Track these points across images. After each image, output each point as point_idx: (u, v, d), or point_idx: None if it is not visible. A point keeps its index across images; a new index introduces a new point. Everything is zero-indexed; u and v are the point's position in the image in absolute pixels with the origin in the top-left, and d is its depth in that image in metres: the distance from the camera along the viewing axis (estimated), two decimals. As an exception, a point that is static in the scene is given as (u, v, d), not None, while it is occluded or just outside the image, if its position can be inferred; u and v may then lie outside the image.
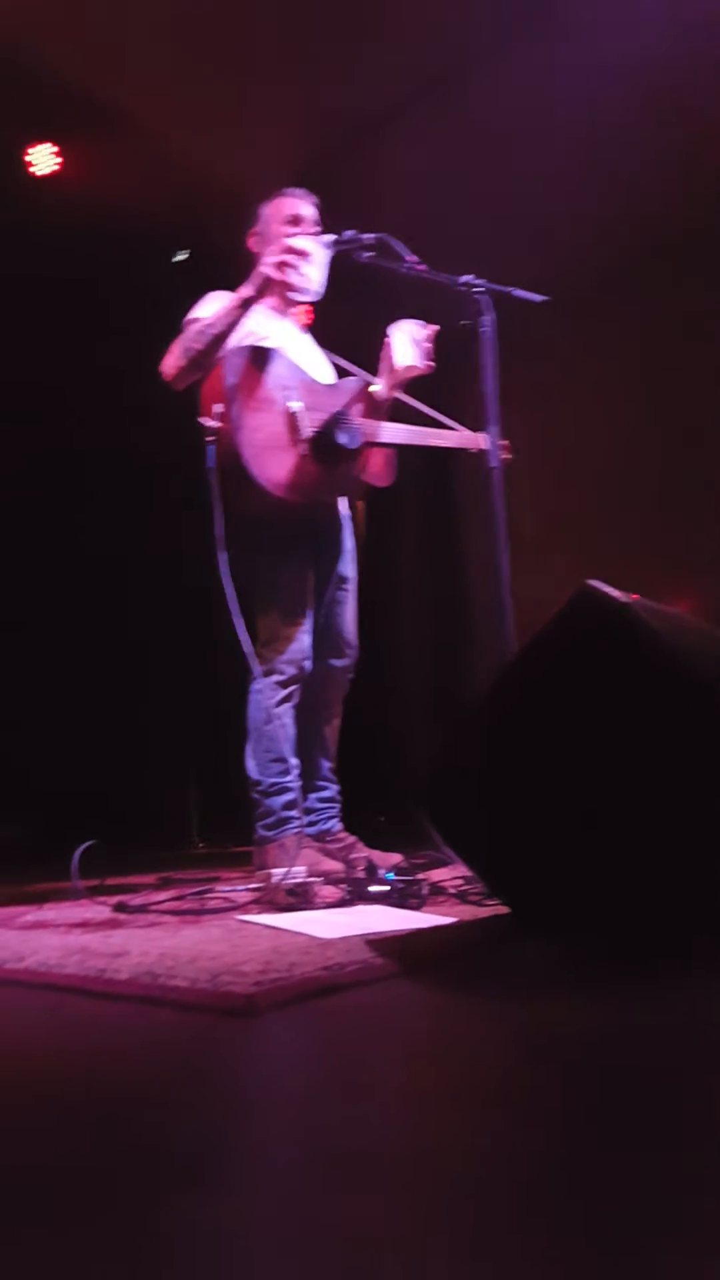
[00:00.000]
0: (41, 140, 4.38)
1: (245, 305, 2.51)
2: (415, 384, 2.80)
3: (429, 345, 2.69)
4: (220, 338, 2.51)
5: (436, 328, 2.69)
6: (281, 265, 2.49)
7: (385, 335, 2.73)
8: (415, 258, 2.51)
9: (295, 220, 2.69)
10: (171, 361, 2.55)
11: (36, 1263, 0.51)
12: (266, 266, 2.48)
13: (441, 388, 2.84)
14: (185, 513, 2.97)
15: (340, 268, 2.65)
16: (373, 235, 2.54)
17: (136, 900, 2.05)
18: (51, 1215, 0.57)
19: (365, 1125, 0.72)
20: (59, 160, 4.40)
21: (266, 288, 2.52)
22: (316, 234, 2.66)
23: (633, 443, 4.99)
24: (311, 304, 2.82)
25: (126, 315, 4.25)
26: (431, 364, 2.70)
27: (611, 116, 4.13)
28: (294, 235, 2.61)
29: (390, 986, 1.20)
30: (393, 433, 2.72)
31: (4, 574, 4.53)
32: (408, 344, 2.68)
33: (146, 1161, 0.66)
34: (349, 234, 2.56)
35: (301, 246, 2.54)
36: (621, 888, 1.33)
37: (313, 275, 2.58)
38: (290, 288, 2.62)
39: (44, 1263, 0.51)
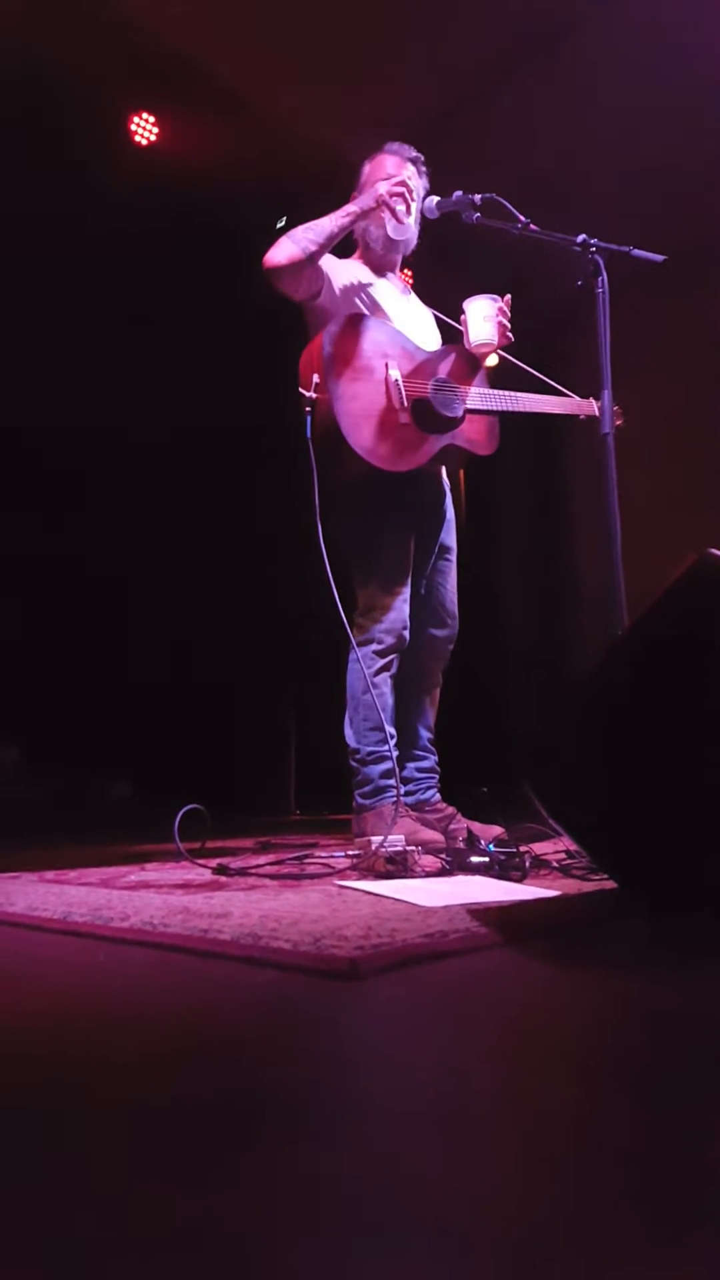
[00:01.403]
0: (143, 109, 4.41)
1: (354, 218, 2.55)
2: (524, 347, 2.74)
3: (504, 319, 2.63)
4: (332, 237, 2.52)
5: (509, 297, 2.63)
6: (394, 194, 2.54)
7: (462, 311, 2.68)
8: (526, 219, 2.44)
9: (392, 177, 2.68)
10: (279, 250, 2.51)
11: (137, 1194, 0.51)
12: (380, 192, 2.54)
13: (554, 350, 2.77)
14: (287, 482, 2.97)
15: (449, 229, 2.61)
16: (481, 196, 2.48)
17: (237, 863, 2.07)
18: (155, 1154, 0.57)
19: (466, 1089, 0.70)
20: (156, 130, 4.43)
21: (371, 211, 2.56)
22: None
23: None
24: (404, 256, 2.81)
25: (225, 283, 4.27)
26: (509, 337, 2.64)
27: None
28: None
29: (493, 956, 1.18)
30: (496, 400, 2.67)
31: (113, 550, 4.64)
32: (481, 320, 2.63)
33: (251, 1112, 0.66)
34: (457, 195, 2.51)
35: (412, 184, 2.60)
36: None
37: (410, 219, 2.64)
38: (396, 218, 2.63)
39: (143, 1195, 0.51)
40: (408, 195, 2.57)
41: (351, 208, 2.54)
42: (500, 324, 2.63)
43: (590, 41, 3.97)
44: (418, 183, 2.69)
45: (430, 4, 3.80)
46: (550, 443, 5.16)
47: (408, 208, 2.60)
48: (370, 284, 2.69)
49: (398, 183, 2.55)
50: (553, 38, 4.00)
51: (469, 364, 2.68)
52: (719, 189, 4.55)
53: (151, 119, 4.45)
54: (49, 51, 3.86)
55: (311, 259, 2.50)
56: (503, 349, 2.71)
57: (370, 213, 2.57)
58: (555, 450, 5.34)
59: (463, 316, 2.68)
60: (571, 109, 4.27)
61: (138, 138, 4.45)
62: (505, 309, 2.64)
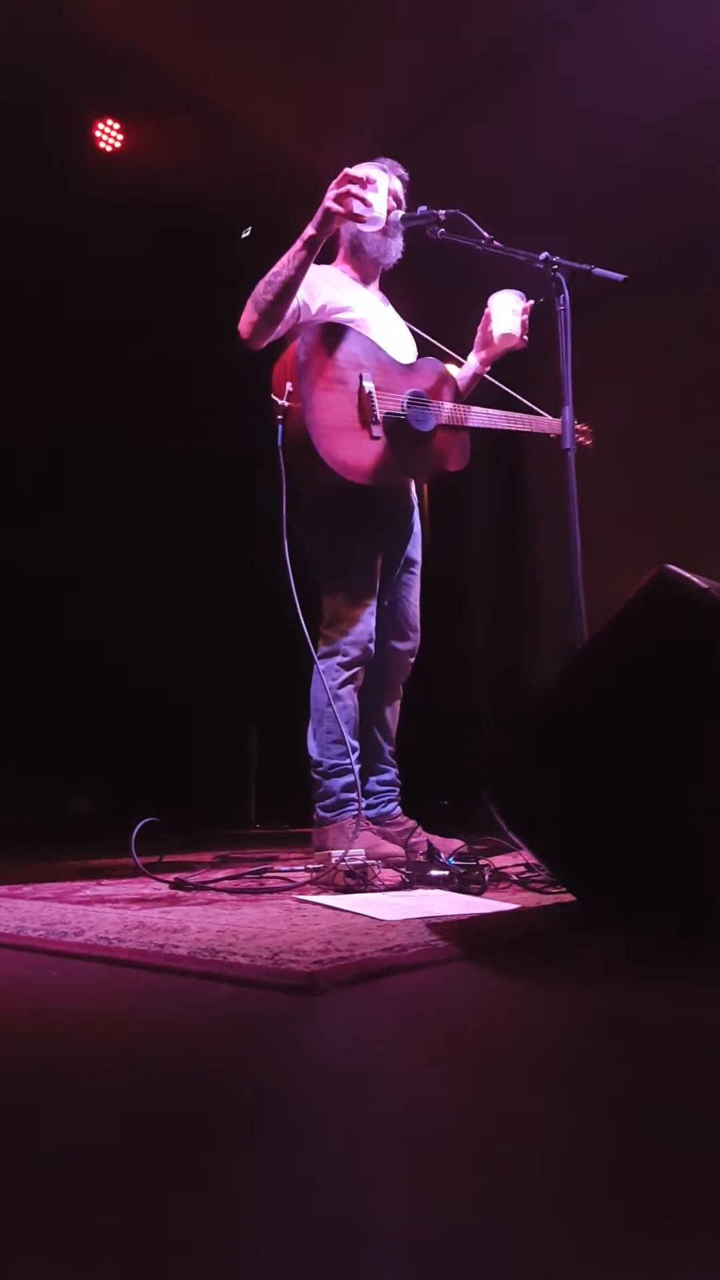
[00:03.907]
0: (107, 116, 4.40)
1: (310, 246, 2.39)
2: (492, 364, 2.76)
3: (525, 319, 2.64)
4: (289, 285, 2.42)
5: (533, 301, 2.64)
6: (342, 196, 2.33)
7: (485, 306, 2.68)
8: (489, 235, 2.46)
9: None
10: (244, 317, 2.49)
11: (97, 1202, 0.50)
12: (327, 200, 2.35)
13: (515, 368, 2.80)
14: (254, 492, 2.96)
15: (414, 245, 2.61)
16: (445, 211, 2.49)
17: (194, 878, 2.06)
18: (111, 1170, 0.56)
19: (424, 1104, 0.70)
20: (121, 137, 4.42)
21: (329, 225, 2.39)
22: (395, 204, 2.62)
23: (712, 425, 4.88)
24: (384, 268, 2.78)
25: (192, 291, 4.27)
26: (526, 338, 2.65)
27: (692, 90, 4.03)
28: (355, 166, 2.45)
29: (452, 969, 1.18)
30: (466, 416, 2.68)
31: (73, 560, 4.60)
32: (508, 314, 2.63)
33: (209, 1127, 0.65)
34: (422, 210, 2.52)
35: (360, 173, 2.39)
36: (690, 877, 1.30)
37: (377, 202, 2.41)
38: (357, 219, 2.41)
39: (106, 1202, 0.50)
40: (357, 189, 2.34)
41: (307, 231, 2.39)
42: (523, 321, 2.64)
43: (559, 59, 4.02)
44: (380, 174, 2.52)
45: (400, 15, 3.82)
46: (512, 456, 5.19)
47: (366, 202, 2.36)
48: (350, 293, 2.67)
49: (340, 181, 2.34)
50: (522, 55, 4.04)
51: (443, 378, 2.70)
52: (688, 204, 4.61)
53: (117, 126, 4.44)
54: (12, 56, 3.83)
55: (272, 319, 2.46)
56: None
57: (327, 227, 2.39)
58: (517, 464, 5.38)
59: (486, 311, 2.68)
60: (537, 126, 4.31)
61: (103, 144, 4.44)
62: (528, 309, 2.65)
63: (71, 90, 4.12)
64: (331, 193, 2.35)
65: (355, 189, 2.33)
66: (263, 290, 2.45)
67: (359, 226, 2.52)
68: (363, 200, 2.35)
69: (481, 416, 2.71)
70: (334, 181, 2.36)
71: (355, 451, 2.44)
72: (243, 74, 4.12)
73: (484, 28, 3.91)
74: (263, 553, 2.83)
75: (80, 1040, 0.91)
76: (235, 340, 2.53)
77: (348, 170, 2.37)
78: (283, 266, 2.43)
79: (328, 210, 2.35)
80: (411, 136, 4.19)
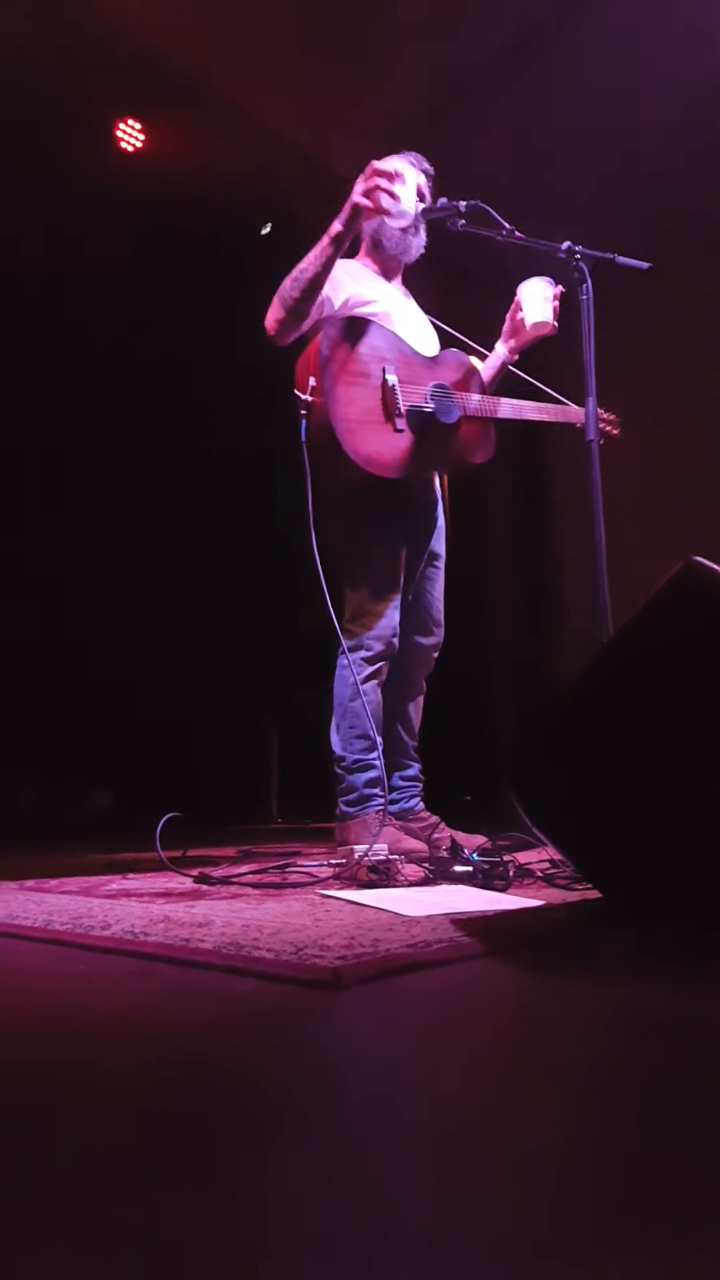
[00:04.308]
0: (129, 116, 4.41)
1: (337, 242, 2.38)
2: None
3: (556, 305, 2.61)
4: (315, 282, 2.42)
5: (563, 288, 2.60)
6: (370, 191, 2.31)
7: (512, 296, 2.66)
8: (511, 226, 2.44)
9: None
10: (271, 314, 2.50)
11: (118, 1198, 0.50)
12: (355, 194, 2.33)
13: (536, 358, 2.77)
14: (274, 488, 2.96)
15: (434, 236, 2.60)
16: (466, 203, 2.48)
17: (218, 872, 2.06)
18: (137, 1164, 0.56)
19: (443, 1102, 0.69)
20: (143, 137, 4.43)
21: (356, 220, 2.37)
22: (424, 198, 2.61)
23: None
24: (407, 263, 2.76)
25: (213, 288, 4.27)
26: (557, 324, 2.62)
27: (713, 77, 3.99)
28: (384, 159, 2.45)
29: (476, 966, 1.17)
30: (491, 407, 2.66)
31: (96, 556, 4.62)
32: (539, 301, 2.60)
33: (233, 1122, 0.65)
34: (442, 202, 2.51)
35: (388, 167, 2.36)
36: (714, 873, 1.28)
37: (405, 196, 2.42)
38: (385, 213, 2.43)
39: (123, 1198, 0.50)
40: (385, 183, 2.31)
41: (334, 227, 2.37)
42: (554, 308, 2.62)
43: (574, 47, 4.00)
44: (407, 168, 2.56)
45: (415, 12, 3.81)
46: (536, 449, 5.17)
47: (394, 196, 2.36)
48: (373, 287, 2.65)
49: (369, 175, 2.32)
50: (537, 43, 4.02)
51: (467, 370, 2.68)
52: (707, 195, 4.57)
53: (138, 126, 4.45)
54: (35, 58, 3.85)
55: (298, 315, 2.46)
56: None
57: (355, 222, 2.38)
58: (541, 456, 5.35)
59: (516, 299, 2.66)
60: (557, 114, 4.29)
61: (124, 144, 4.45)
62: (558, 295, 2.62)
63: (93, 91, 4.13)
64: (359, 187, 2.33)
65: (383, 183, 2.31)
66: (289, 287, 2.45)
67: (387, 220, 2.52)
68: (391, 194, 2.34)
69: (508, 407, 2.68)
70: (361, 175, 2.33)
71: (379, 445, 2.43)
72: (262, 73, 4.13)
73: (499, 18, 3.89)
74: (284, 549, 2.83)
75: (106, 1035, 0.91)
76: (253, 337, 2.53)
77: (375, 164, 2.35)
78: (309, 263, 2.42)
79: (356, 205, 2.33)
80: (433, 130, 4.17)
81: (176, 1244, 0.47)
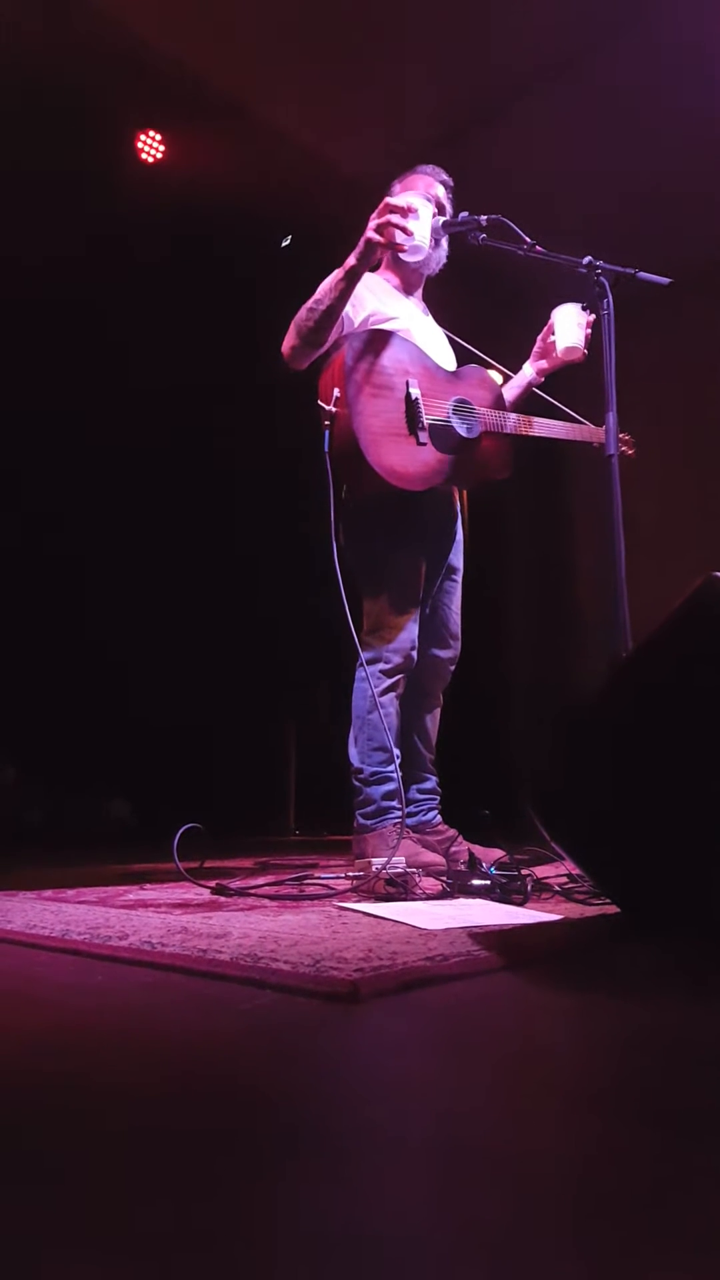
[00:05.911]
0: (150, 127, 4.46)
1: (350, 277, 2.41)
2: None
3: (588, 332, 2.62)
4: (330, 313, 2.45)
5: (594, 315, 2.61)
6: (383, 226, 2.35)
7: (546, 319, 2.67)
8: (532, 240, 2.44)
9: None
10: (287, 340, 2.53)
11: (134, 1212, 0.50)
12: (368, 230, 2.36)
13: (555, 375, 2.77)
14: (301, 500, 2.96)
15: (455, 250, 2.60)
16: (487, 217, 2.49)
17: (236, 883, 2.06)
18: (153, 1178, 0.56)
19: (464, 1117, 0.69)
20: (163, 148, 4.47)
21: (370, 255, 2.41)
22: (436, 211, 2.61)
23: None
24: (428, 276, 2.77)
25: (232, 300, 4.30)
26: (586, 352, 2.63)
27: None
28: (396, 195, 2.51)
29: (494, 980, 1.16)
30: (513, 423, 2.67)
31: (111, 569, 4.65)
32: (572, 326, 2.61)
33: (249, 1136, 0.65)
34: (463, 216, 2.51)
35: (401, 203, 2.40)
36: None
37: (419, 232, 2.44)
38: (398, 249, 2.50)
39: (141, 1220, 0.50)
40: (399, 219, 2.36)
41: (349, 262, 2.39)
42: (586, 334, 2.63)
43: (600, 65, 4.01)
44: (422, 203, 2.55)
45: (439, 25, 3.83)
46: (555, 464, 5.16)
47: (407, 231, 2.39)
48: (394, 303, 2.67)
49: (381, 211, 2.36)
50: (562, 61, 4.03)
51: (488, 386, 2.69)
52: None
53: (158, 137, 4.49)
54: (57, 70, 3.89)
55: (313, 344, 2.49)
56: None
57: (369, 257, 2.40)
58: (560, 472, 5.35)
59: (549, 322, 2.67)
60: (579, 131, 4.30)
61: (144, 155, 4.49)
62: (590, 323, 2.63)
63: (114, 102, 4.17)
64: (373, 222, 2.37)
65: (396, 219, 2.36)
66: (305, 317, 2.48)
67: (401, 255, 2.57)
68: (404, 229, 2.38)
69: (526, 424, 2.69)
70: (375, 211, 2.38)
71: (402, 458, 2.44)
72: (283, 84, 4.15)
73: (519, 36, 3.91)
74: (301, 563, 2.83)
75: (122, 1047, 0.91)
76: (272, 348, 2.55)
77: (389, 199, 2.41)
78: (324, 295, 2.46)
79: (369, 240, 2.37)
80: (454, 143, 4.19)
81: (191, 1259, 0.47)
